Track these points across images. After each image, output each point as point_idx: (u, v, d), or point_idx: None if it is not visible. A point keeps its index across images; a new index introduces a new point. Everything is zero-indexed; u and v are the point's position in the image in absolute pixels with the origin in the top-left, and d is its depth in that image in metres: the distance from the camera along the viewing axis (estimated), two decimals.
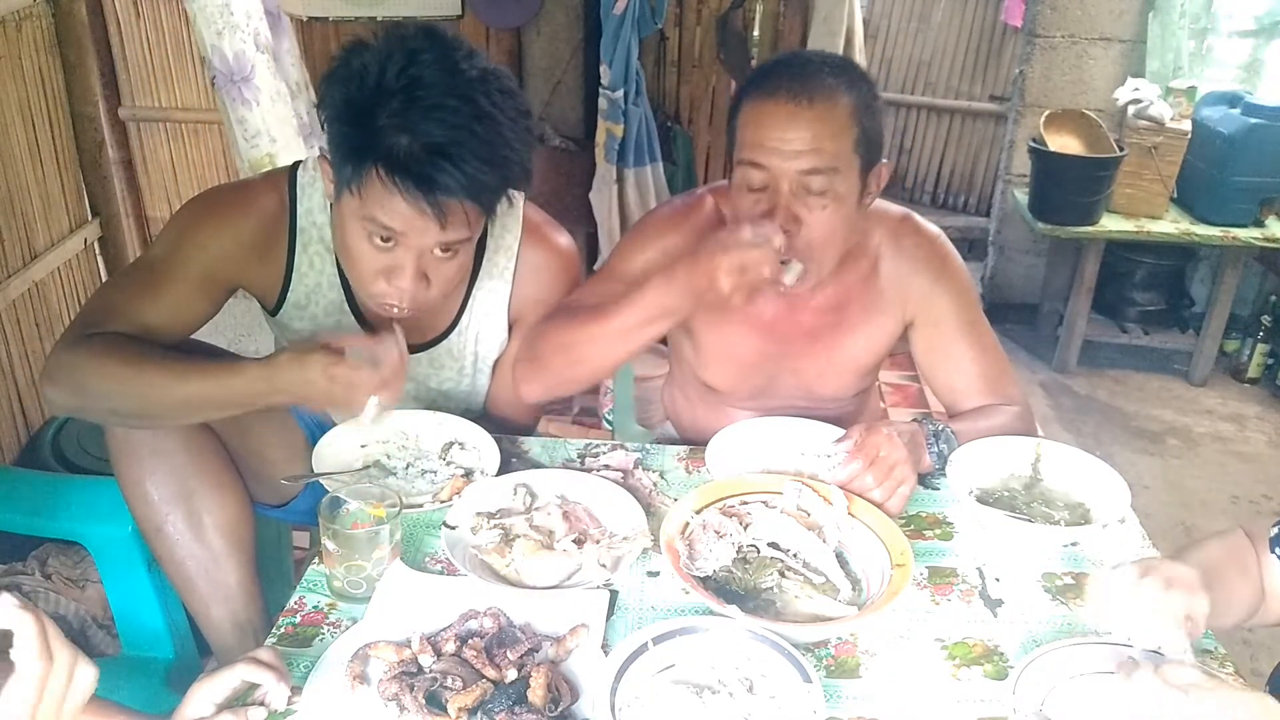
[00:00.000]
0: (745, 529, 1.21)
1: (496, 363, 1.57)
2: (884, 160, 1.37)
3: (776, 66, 1.35)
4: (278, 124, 2.46)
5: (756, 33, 3.66)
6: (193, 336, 1.39)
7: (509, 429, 1.50)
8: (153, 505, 1.34)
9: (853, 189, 1.34)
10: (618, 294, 1.37)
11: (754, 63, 3.66)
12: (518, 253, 1.49)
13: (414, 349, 1.50)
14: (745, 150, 1.33)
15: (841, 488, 1.25)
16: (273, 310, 1.47)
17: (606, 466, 1.40)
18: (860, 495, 1.25)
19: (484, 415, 1.60)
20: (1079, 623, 1.13)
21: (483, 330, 1.52)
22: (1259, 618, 1.10)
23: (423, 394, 1.57)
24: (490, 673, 0.99)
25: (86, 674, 0.76)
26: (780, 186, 1.31)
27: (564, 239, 1.54)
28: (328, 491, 1.19)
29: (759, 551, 1.19)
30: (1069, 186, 3.37)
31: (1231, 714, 0.82)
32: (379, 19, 3.55)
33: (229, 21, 2.34)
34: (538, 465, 1.40)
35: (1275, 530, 1.09)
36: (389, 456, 1.41)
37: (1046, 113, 3.49)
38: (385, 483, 1.34)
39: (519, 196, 1.51)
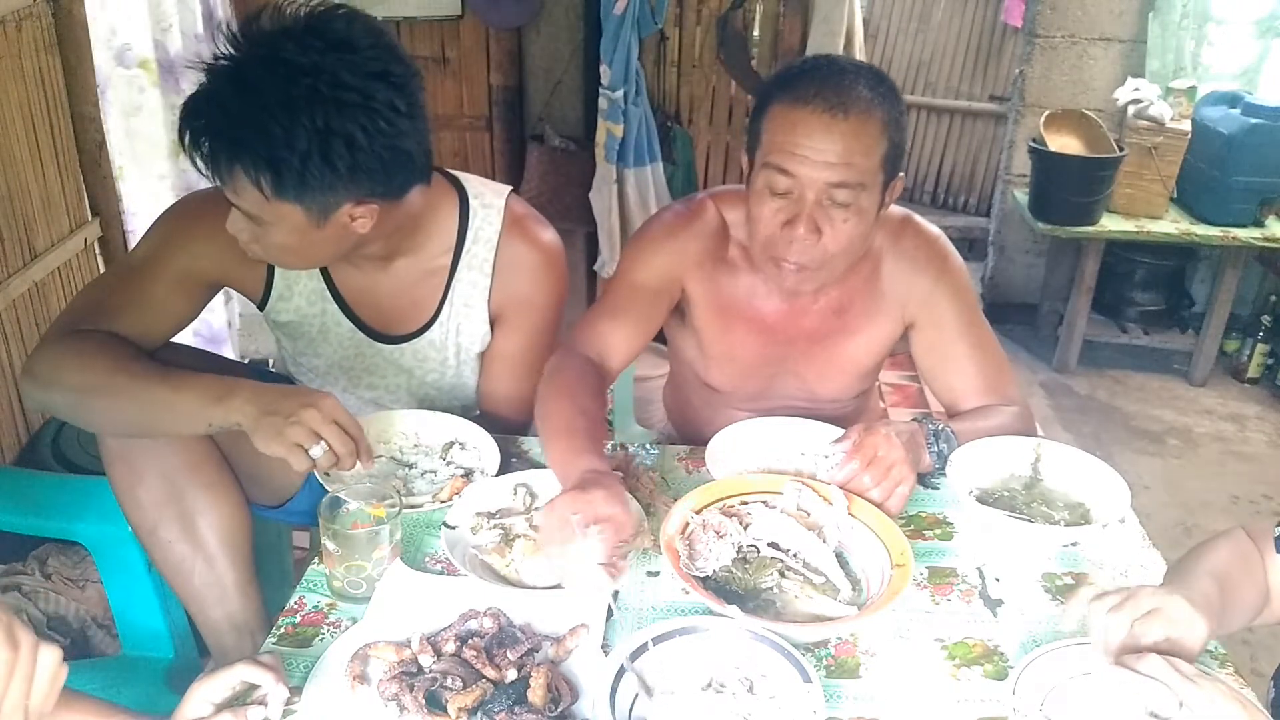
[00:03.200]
0: (745, 529, 1.21)
1: (485, 358, 1.56)
2: (901, 174, 1.37)
3: (811, 71, 1.32)
4: (126, 138, 2.51)
5: (756, 33, 3.66)
6: (205, 350, 1.41)
7: (504, 427, 1.50)
8: (144, 509, 1.34)
9: (874, 203, 1.33)
10: (632, 327, 1.45)
11: (754, 63, 3.66)
12: (497, 245, 1.48)
13: (396, 340, 1.52)
14: (773, 154, 1.31)
15: (840, 488, 1.25)
16: (260, 304, 1.49)
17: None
18: (859, 495, 1.25)
19: (481, 413, 1.61)
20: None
21: (463, 322, 1.51)
22: (1263, 617, 1.10)
23: (414, 388, 1.57)
24: (490, 673, 0.99)
25: (49, 655, 0.77)
26: (806, 196, 1.30)
27: (548, 235, 1.53)
28: (327, 491, 1.19)
29: (759, 551, 1.19)
30: (1069, 186, 3.37)
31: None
32: (379, 19, 3.55)
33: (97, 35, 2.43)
34: (538, 465, 1.40)
35: (1279, 530, 1.09)
36: (399, 455, 1.41)
37: (1046, 113, 3.49)
38: (399, 476, 1.35)
39: (503, 189, 1.51)
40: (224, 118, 1.18)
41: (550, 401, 1.33)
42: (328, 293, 1.48)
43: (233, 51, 1.19)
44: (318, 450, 1.17)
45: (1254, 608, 1.09)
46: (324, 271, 1.47)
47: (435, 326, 1.51)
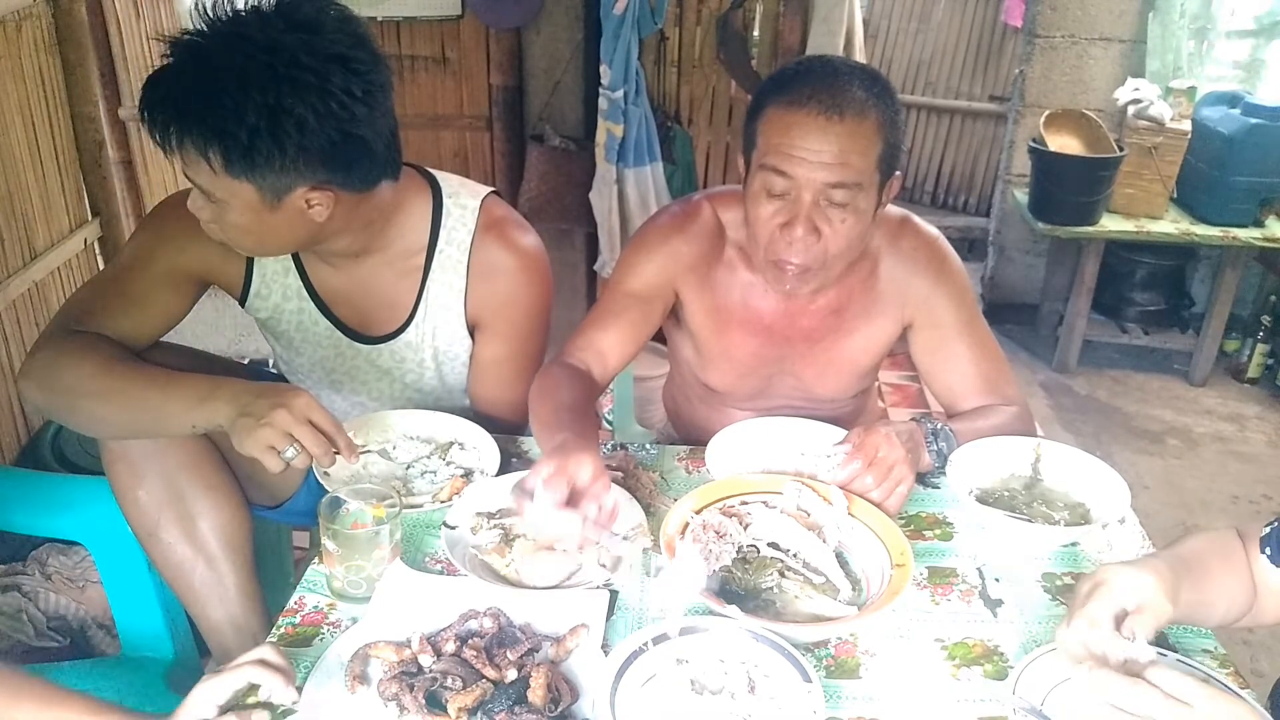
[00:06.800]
0: (745, 529, 1.21)
1: (473, 364, 1.55)
2: (898, 173, 1.37)
3: (806, 72, 1.32)
4: None
5: (756, 33, 3.66)
6: (210, 354, 1.44)
7: (500, 428, 1.50)
8: (145, 511, 1.35)
9: (871, 203, 1.34)
10: (625, 333, 1.47)
11: (754, 63, 3.66)
12: (471, 247, 1.46)
13: (374, 341, 1.51)
14: (770, 156, 1.31)
15: (841, 488, 1.25)
16: (241, 301, 1.49)
17: (606, 466, 1.40)
18: (860, 495, 1.25)
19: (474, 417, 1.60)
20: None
21: (439, 325, 1.50)
22: (1253, 618, 1.10)
23: (395, 391, 1.57)
24: (490, 673, 0.99)
25: None
26: (803, 196, 1.30)
27: (527, 238, 1.50)
28: (328, 491, 1.19)
29: (759, 551, 1.19)
30: (1069, 186, 3.37)
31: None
32: (379, 19, 3.55)
33: None
34: None
35: (1267, 529, 1.09)
36: (388, 450, 1.40)
37: (1046, 113, 3.49)
38: (399, 476, 1.35)
39: (481, 190, 1.50)
40: (178, 91, 1.18)
41: (532, 411, 1.35)
42: (304, 290, 1.48)
43: (202, 28, 1.19)
44: (290, 452, 1.17)
45: (1236, 600, 1.08)
46: (300, 269, 1.47)
47: (411, 328, 1.50)
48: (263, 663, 0.97)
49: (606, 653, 1.04)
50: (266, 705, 0.96)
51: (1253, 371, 3.63)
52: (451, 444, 1.41)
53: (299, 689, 0.99)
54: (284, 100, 1.16)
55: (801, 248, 1.32)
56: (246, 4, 1.20)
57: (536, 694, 0.96)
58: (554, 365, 1.44)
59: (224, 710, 0.95)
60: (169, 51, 1.19)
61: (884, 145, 1.30)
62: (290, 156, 1.20)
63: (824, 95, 1.28)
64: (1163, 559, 1.04)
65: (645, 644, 1.02)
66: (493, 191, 1.52)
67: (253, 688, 0.97)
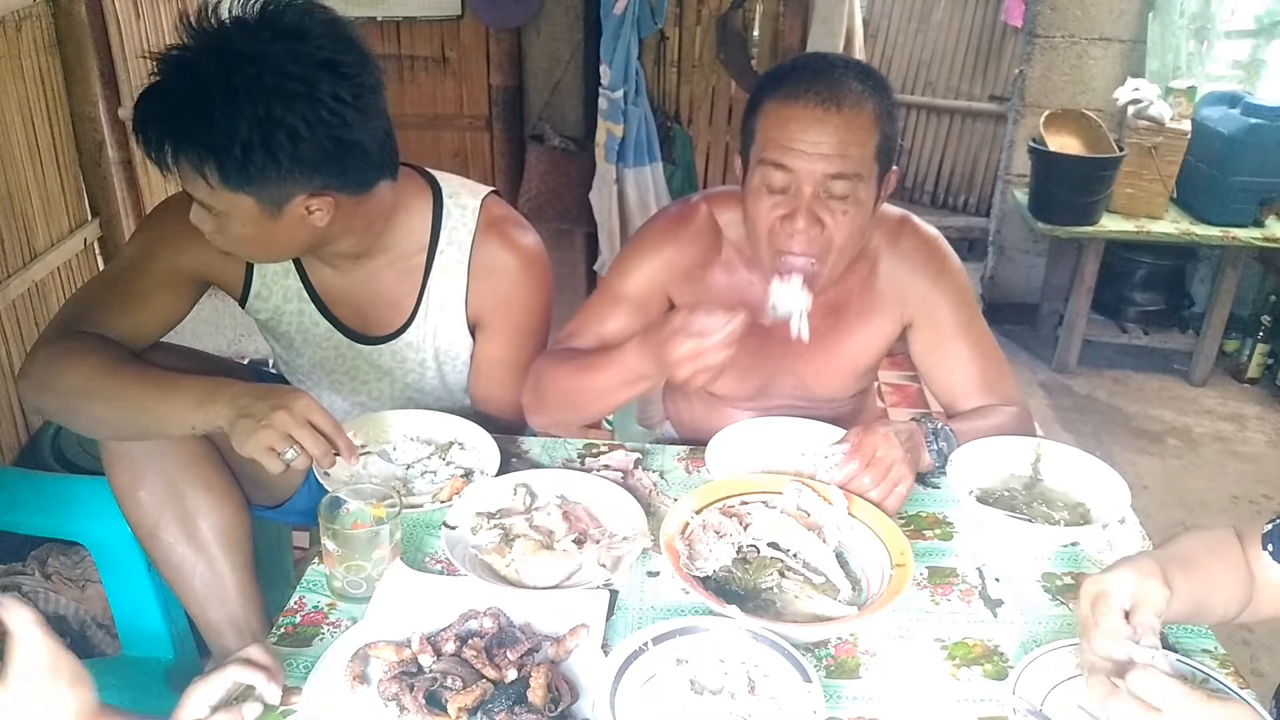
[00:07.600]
0: (745, 529, 1.21)
1: (474, 363, 1.55)
2: (894, 167, 1.37)
3: (801, 68, 1.33)
4: None
5: (756, 33, 3.66)
6: (210, 354, 1.44)
7: (500, 428, 1.50)
8: (145, 511, 1.35)
9: (871, 195, 1.34)
10: (617, 331, 1.44)
11: (754, 63, 3.66)
12: (472, 247, 1.47)
13: (374, 341, 1.51)
14: (769, 150, 1.32)
15: (840, 488, 1.25)
16: (241, 302, 1.49)
17: (606, 466, 1.40)
18: (859, 495, 1.25)
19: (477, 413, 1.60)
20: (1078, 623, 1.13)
21: (440, 325, 1.50)
22: (1251, 613, 1.10)
23: (395, 391, 1.57)
24: (490, 673, 0.99)
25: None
26: (803, 189, 1.31)
27: (528, 238, 1.51)
28: (328, 491, 1.19)
29: (759, 551, 1.19)
30: (1069, 186, 3.37)
31: None
32: (379, 19, 3.55)
33: None
34: (538, 465, 1.40)
35: (1269, 526, 1.09)
36: (389, 452, 1.40)
37: (1046, 113, 3.49)
38: (399, 477, 1.35)
39: (481, 190, 1.50)
40: (168, 108, 1.18)
41: (550, 375, 1.36)
42: (305, 292, 1.48)
43: (187, 42, 1.18)
44: (290, 453, 1.17)
45: (1234, 595, 1.08)
46: (300, 270, 1.47)
47: (412, 328, 1.50)
48: (248, 661, 0.96)
49: (606, 653, 1.04)
50: (260, 701, 0.96)
51: (1253, 371, 3.63)
52: (451, 444, 1.41)
53: (300, 689, 0.99)
54: (274, 111, 1.16)
55: (804, 239, 1.32)
56: (230, 11, 1.19)
57: (536, 694, 0.96)
58: (552, 350, 1.44)
59: (216, 710, 0.95)
60: (156, 69, 1.19)
61: (881, 136, 1.31)
62: (285, 167, 1.20)
63: (820, 88, 1.28)
64: (1147, 554, 1.04)
65: (645, 644, 1.02)
66: (493, 191, 1.52)
67: (249, 688, 0.97)
